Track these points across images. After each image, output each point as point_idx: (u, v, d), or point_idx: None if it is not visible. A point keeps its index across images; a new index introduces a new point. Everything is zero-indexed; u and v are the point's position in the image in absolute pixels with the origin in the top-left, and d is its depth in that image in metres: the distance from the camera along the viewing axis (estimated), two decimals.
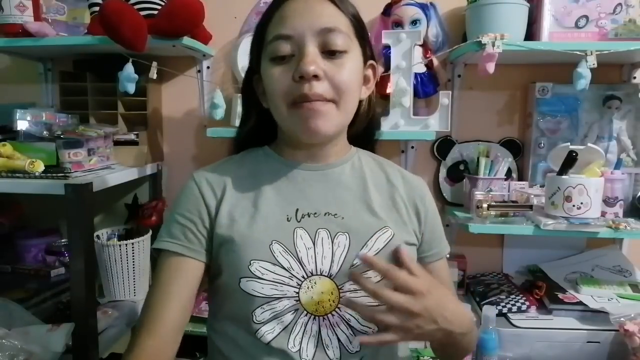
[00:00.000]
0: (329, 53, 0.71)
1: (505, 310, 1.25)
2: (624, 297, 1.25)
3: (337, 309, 0.72)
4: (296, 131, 0.74)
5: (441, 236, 0.87)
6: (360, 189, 0.80)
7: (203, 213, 0.76)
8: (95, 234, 1.31)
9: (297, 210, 0.75)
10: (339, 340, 0.72)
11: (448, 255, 0.89)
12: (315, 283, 0.72)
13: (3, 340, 0.96)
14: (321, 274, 0.72)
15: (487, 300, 1.29)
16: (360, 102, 0.81)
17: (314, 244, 0.73)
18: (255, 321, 0.71)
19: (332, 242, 0.73)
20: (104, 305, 1.30)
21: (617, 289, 1.28)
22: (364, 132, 0.87)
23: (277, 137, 0.84)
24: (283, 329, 0.71)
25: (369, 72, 0.81)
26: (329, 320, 0.72)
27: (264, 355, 0.71)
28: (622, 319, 1.14)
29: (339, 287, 0.72)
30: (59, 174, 1.14)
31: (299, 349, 0.71)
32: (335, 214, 0.76)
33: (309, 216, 0.75)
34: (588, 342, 1.18)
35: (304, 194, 0.77)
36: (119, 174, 1.29)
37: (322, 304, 0.72)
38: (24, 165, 1.13)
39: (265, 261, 0.70)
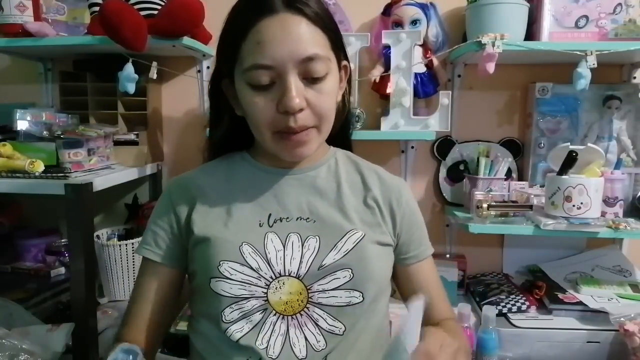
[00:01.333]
0: (310, 80, 0.71)
1: (505, 310, 1.25)
2: (624, 297, 1.25)
3: (305, 309, 0.73)
4: (280, 155, 0.76)
5: (421, 239, 0.86)
6: (334, 192, 0.81)
7: (173, 222, 0.80)
8: (95, 234, 1.31)
9: (269, 215, 0.77)
10: (306, 339, 0.73)
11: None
12: (283, 284, 0.73)
13: (3, 340, 0.96)
14: (289, 275, 0.73)
15: (487, 300, 1.29)
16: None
17: (284, 247, 0.74)
18: (225, 320, 0.73)
19: (302, 245, 0.75)
20: (104, 305, 1.30)
21: (617, 289, 1.28)
22: (340, 130, 0.87)
23: (254, 143, 0.85)
24: (252, 328, 0.73)
25: (342, 73, 0.80)
26: (297, 320, 0.73)
27: (233, 352, 0.73)
28: (622, 319, 1.14)
29: (308, 287, 0.73)
30: (59, 174, 1.14)
31: (267, 347, 0.72)
32: (307, 218, 0.77)
33: (280, 221, 0.77)
34: (588, 342, 1.18)
35: (277, 199, 0.79)
36: (119, 174, 1.29)
37: (291, 304, 0.73)
38: (24, 165, 1.13)
39: (234, 262, 0.72)
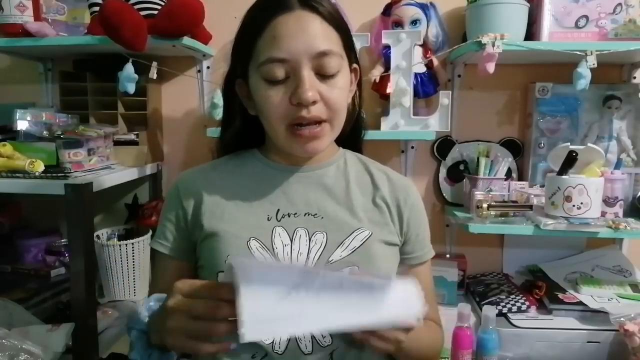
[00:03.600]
0: (323, 75, 0.72)
1: (505, 310, 1.25)
2: (624, 297, 1.25)
3: None
4: (293, 150, 0.77)
5: (425, 240, 0.87)
6: (343, 191, 0.82)
7: (180, 215, 0.81)
8: (95, 234, 1.31)
9: (277, 210, 0.78)
10: (312, 335, 0.73)
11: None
12: None
13: (3, 340, 0.96)
14: None
15: (487, 300, 1.29)
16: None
17: (291, 242, 0.76)
18: None
19: (310, 240, 0.76)
20: (104, 305, 1.30)
21: (617, 289, 1.28)
22: (350, 132, 0.88)
23: (265, 141, 0.86)
24: None
25: (352, 75, 0.82)
26: None
27: (238, 348, 0.71)
28: (622, 319, 1.14)
29: None
30: (59, 174, 1.14)
31: (272, 343, 0.72)
32: (315, 214, 0.78)
33: (289, 216, 0.78)
34: (588, 342, 1.18)
35: (286, 195, 0.80)
36: (119, 174, 1.29)
37: None
38: (24, 165, 1.13)
39: (241, 256, 0.73)
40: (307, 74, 0.70)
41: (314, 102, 0.71)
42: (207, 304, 0.58)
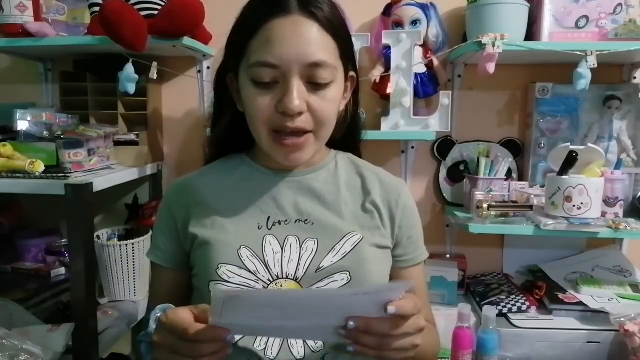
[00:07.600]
0: (314, 84, 0.71)
1: (505, 310, 1.25)
2: (624, 297, 1.25)
3: None
4: (275, 157, 0.76)
5: (418, 242, 0.87)
6: (333, 195, 0.81)
7: (171, 226, 0.82)
8: (95, 234, 1.31)
9: (268, 218, 0.78)
10: (303, 340, 0.73)
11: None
12: (281, 286, 0.73)
13: (3, 340, 0.96)
14: (287, 277, 0.74)
15: (487, 300, 1.29)
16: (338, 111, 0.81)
17: (281, 249, 0.75)
18: None
19: (300, 247, 0.75)
20: (104, 305, 1.30)
21: (617, 289, 1.28)
22: (343, 137, 0.87)
23: (255, 144, 0.84)
24: None
25: (347, 83, 0.80)
26: None
27: (232, 353, 0.72)
28: (622, 319, 1.14)
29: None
30: (59, 174, 1.14)
31: (264, 348, 0.72)
32: (306, 220, 0.78)
33: (279, 224, 0.77)
34: (588, 342, 1.18)
35: (276, 202, 0.79)
36: (119, 174, 1.29)
37: None
38: (24, 165, 1.13)
39: (232, 265, 0.73)
40: (296, 84, 0.69)
41: (300, 113, 0.70)
42: (187, 344, 0.60)
